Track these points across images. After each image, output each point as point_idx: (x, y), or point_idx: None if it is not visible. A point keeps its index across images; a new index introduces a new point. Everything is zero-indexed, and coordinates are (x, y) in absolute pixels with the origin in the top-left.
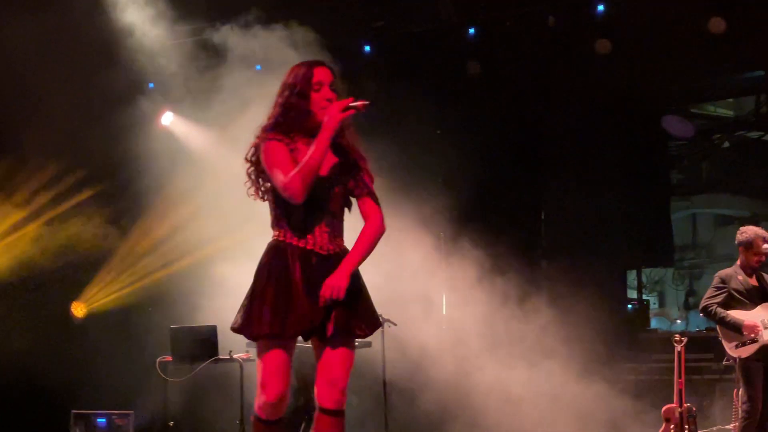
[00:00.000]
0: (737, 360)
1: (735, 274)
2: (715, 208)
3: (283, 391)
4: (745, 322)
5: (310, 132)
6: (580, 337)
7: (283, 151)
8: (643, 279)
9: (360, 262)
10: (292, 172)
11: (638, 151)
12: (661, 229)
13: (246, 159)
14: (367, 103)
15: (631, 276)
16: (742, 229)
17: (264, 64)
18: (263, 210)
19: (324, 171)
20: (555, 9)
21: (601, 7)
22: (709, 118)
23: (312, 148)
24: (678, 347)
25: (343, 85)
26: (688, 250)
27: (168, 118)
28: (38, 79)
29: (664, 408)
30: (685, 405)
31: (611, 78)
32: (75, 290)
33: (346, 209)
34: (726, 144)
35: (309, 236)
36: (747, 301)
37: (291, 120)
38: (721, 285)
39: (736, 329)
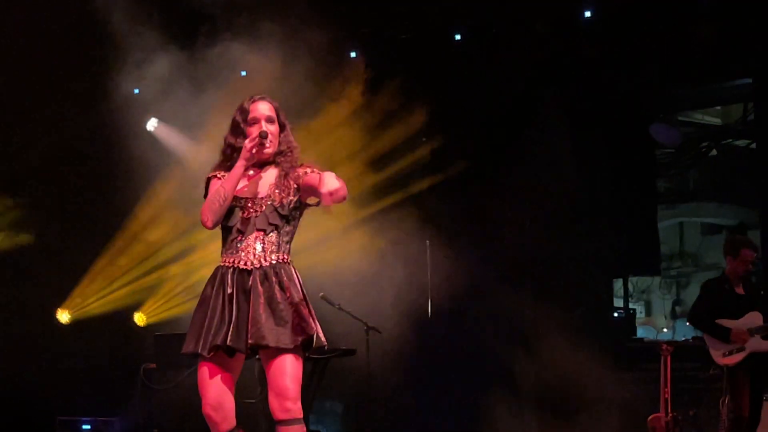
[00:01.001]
0: (724, 368)
1: (722, 283)
2: (702, 216)
3: (213, 401)
4: (733, 330)
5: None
6: (565, 345)
7: (215, 186)
8: (630, 287)
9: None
10: (205, 203)
11: (625, 158)
12: (647, 237)
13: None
14: (262, 130)
15: (618, 284)
16: (730, 237)
17: (249, 71)
18: None
19: (250, 193)
20: (542, 15)
21: (588, 14)
22: (697, 126)
23: (224, 179)
24: (664, 356)
25: (327, 93)
26: (674, 259)
27: (153, 124)
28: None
29: (650, 417)
30: (671, 414)
31: (598, 84)
32: (60, 296)
33: (286, 224)
34: (713, 152)
35: (236, 257)
36: (734, 310)
37: (230, 155)
38: (709, 293)
39: (723, 337)
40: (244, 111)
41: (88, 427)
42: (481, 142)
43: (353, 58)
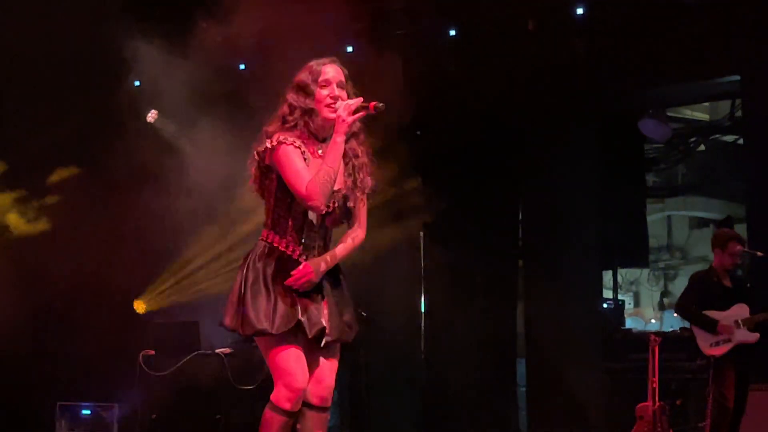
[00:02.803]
0: (711, 359)
1: (710, 276)
2: (690, 210)
3: (307, 376)
4: (720, 322)
5: (315, 132)
6: (555, 335)
7: (298, 155)
8: (619, 279)
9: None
10: (311, 183)
11: (615, 153)
12: (636, 230)
13: (256, 152)
14: (379, 105)
15: (607, 276)
16: (717, 231)
17: (247, 64)
18: (247, 209)
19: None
20: (535, 11)
21: (580, 10)
22: (685, 122)
23: (327, 156)
24: (652, 346)
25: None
26: (663, 252)
27: (153, 116)
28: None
29: (637, 406)
30: (659, 403)
31: (589, 80)
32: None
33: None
34: (702, 147)
35: (301, 248)
36: (722, 302)
37: (296, 118)
38: (697, 285)
39: (710, 328)
40: (313, 72)
41: (88, 412)
42: (472, 137)
43: (349, 52)
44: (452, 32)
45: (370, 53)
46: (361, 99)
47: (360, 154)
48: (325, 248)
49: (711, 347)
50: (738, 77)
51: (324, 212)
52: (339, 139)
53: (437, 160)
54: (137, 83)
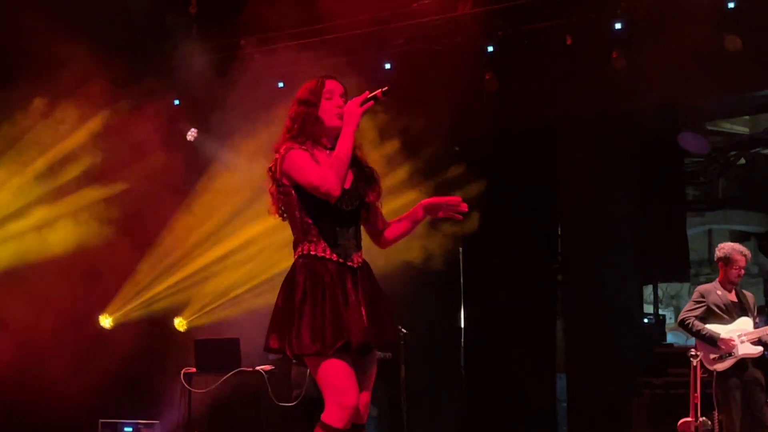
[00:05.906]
0: (714, 374)
1: (714, 289)
2: (731, 223)
3: (357, 392)
4: (721, 335)
5: (321, 141)
6: (595, 350)
7: (307, 155)
8: (660, 294)
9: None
10: (323, 170)
11: (655, 167)
12: (677, 244)
13: (270, 173)
14: (385, 88)
15: (648, 291)
16: (720, 245)
17: (287, 81)
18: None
19: (348, 183)
20: (572, 26)
21: (618, 25)
22: (725, 135)
23: (338, 144)
24: (694, 361)
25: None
26: (703, 266)
27: (193, 134)
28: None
29: (680, 422)
30: (701, 419)
31: (628, 94)
32: (104, 300)
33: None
34: (742, 160)
35: (339, 249)
36: (725, 316)
37: (302, 128)
38: (700, 299)
39: (711, 342)
40: (317, 85)
41: (130, 429)
42: (511, 151)
43: (388, 69)
44: (490, 48)
45: (409, 70)
46: (367, 92)
47: (364, 165)
48: (359, 246)
49: (714, 362)
50: None
51: (337, 195)
52: (349, 129)
53: (476, 175)
54: (176, 102)
